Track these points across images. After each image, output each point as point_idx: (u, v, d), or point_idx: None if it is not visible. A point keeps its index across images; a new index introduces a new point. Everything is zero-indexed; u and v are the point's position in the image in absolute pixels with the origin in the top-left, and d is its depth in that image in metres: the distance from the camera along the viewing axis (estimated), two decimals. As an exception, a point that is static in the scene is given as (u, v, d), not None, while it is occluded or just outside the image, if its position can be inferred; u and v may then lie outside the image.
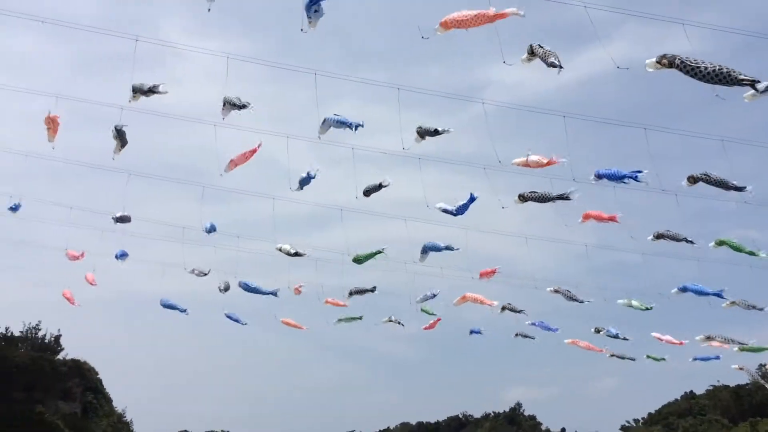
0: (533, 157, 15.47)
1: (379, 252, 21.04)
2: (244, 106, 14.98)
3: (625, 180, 15.41)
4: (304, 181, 17.74)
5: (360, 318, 26.56)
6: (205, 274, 23.47)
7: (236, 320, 26.21)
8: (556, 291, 22.92)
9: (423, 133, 15.35)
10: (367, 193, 17.46)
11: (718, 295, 21.31)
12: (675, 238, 18.58)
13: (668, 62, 11.02)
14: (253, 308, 28.18)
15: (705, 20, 11.10)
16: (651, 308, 23.35)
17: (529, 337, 27.27)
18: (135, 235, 21.59)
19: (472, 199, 17.81)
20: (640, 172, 15.30)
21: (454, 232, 20.34)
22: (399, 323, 26.98)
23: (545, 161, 15.40)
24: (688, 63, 10.83)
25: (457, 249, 20.31)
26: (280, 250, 20.88)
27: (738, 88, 11.99)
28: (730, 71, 10.70)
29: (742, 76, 10.75)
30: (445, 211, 18.08)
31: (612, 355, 27.52)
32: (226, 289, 23.71)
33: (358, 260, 21.20)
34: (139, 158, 17.51)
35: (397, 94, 14.74)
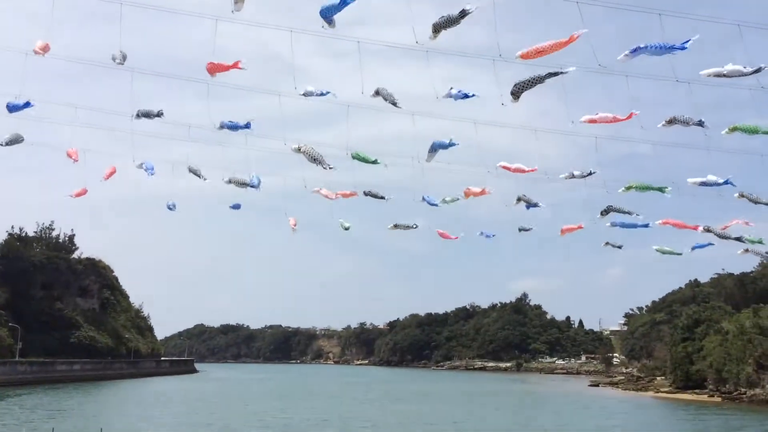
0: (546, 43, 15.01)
1: (375, 162, 21.06)
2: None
3: (674, 51, 14.50)
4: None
5: (415, 226, 26.86)
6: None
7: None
8: (570, 175, 22.54)
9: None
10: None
11: (728, 182, 21.15)
12: (686, 122, 18.20)
13: None
14: (267, 206, 28.51)
15: None
16: (666, 190, 22.79)
17: (526, 229, 27.57)
18: (142, 135, 21.50)
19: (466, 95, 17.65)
20: (688, 41, 14.40)
21: (463, 126, 20.22)
22: (413, 226, 27.12)
23: (563, 42, 14.88)
24: None
25: (457, 144, 20.19)
26: (299, 150, 20.45)
27: None
28: None
29: None
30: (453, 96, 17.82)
31: (606, 244, 27.67)
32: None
33: (358, 159, 21.17)
34: (143, 55, 17.23)
35: (404, -18, 14.22)
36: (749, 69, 15.27)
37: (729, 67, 15.33)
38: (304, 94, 17.83)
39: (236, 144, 22.37)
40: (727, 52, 15.37)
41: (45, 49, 17.15)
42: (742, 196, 22.00)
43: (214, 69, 17.15)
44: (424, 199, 24.81)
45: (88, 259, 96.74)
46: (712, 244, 26.98)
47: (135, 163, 22.75)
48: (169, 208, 26.51)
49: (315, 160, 18.52)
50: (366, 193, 24.40)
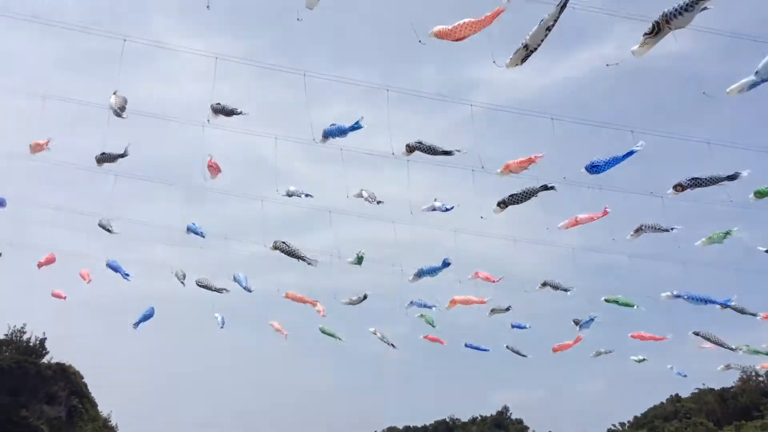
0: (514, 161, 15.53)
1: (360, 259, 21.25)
2: (233, 112, 15.03)
3: (623, 160, 14.96)
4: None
5: (341, 339, 26.53)
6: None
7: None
8: (544, 285, 22.68)
9: (419, 148, 15.46)
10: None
11: (725, 304, 20.86)
12: (655, 229, 18.43)
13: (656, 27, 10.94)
14: (243, 310, 28.21)
15: (697, 22, 11.11)
16: (634, 306, 23.05)
17: (521, 355, 27.47)
18: (122, 237, 21.44)
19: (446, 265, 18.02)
20: (636, 149, 14.83)
21: (442, 234, 20.42)
22: (392, 345, 26.89)
23: (526, 160, 15.40)
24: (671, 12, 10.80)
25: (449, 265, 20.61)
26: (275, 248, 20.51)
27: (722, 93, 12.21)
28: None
29: None
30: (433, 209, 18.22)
31: (598, 353, 27.66)
32: (184, 277, 23.25)
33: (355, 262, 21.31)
34: (127, 158, 17.44)
35: (386, 95, 14.76)
36: (724, 175, 15.58)
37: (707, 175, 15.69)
38: (287, 194, 18.06)
39: (215, 247, 22.36)
40: (699, 167, 15.88)
41: (42, 147, 17.27)
42: (725, 307, 22.07)
43: (213, 169, 17.40)
44: (413, 303, 24.68)
45: (57, 364, 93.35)
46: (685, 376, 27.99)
47: (105, 263, 22.55)
48: (145, 318, 25.44)
49: (294, 255, 18.26)
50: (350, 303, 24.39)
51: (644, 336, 25.41)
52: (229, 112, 15.11)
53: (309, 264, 18.41)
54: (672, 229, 18.10)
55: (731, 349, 24.31)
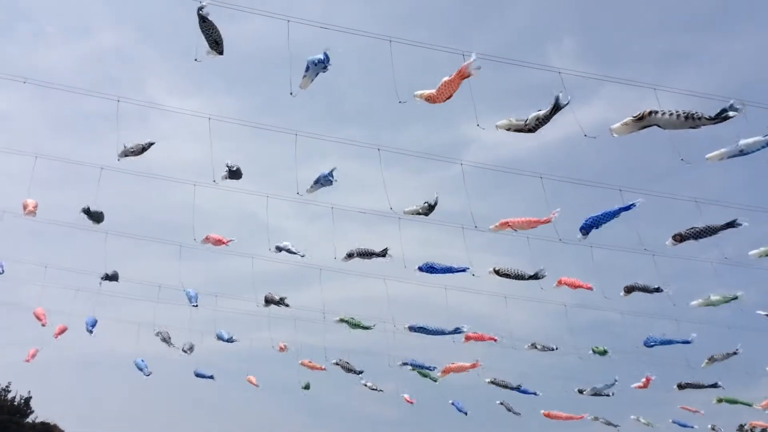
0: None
1: (367, 327, 21.28)
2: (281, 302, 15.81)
3: (620, 214, 14.90)
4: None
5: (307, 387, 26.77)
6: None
7: (204, 376, 25.88)
8: (532, 346, 22.83)
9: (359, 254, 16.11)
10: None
11: (686, 341, 21.25)
12: (645, 290, 18.57)
13: (641, 116, 11.12)
14: (225, 368, 27.90)
15: (683, 84, 11.37)
16: (605, 351, 23.10)
17: (515, 413, 27.24)
18: (111, 295, 21.33)
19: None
20: (633, 204, 14.79)
21: (433, 290, 20.35)
22: (377, 389, 26.79)
23: (538, 221, 15.47)
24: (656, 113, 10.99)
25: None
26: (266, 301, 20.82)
27: (703, 154, 12.43)
28: (697, 113, 10.92)
29: (707, 116, 10.89)
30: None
31: (595, 419, 27.52)
32: (191, 349, 23.72)
33: (346, 322, 21.32)
34: (119, 216, 17.55)
35: (378, 154, 14.92)
36: (720, 224, 15.61)
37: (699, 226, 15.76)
38: (278, 247, 18.04)
39: (205, 305, 22.20)
40: (688, 223, 15.95)
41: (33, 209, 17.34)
42: (712, 360, 22.07)
43: (210, 241, 17.81)
44: (405, 363, 24.58)
45: (42, 423, 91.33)
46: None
47: (85, 325, 22.55)
48: (140, 368, 25.44)
49: (275, 302, 18.14)
50: (340, 365, 24.37)
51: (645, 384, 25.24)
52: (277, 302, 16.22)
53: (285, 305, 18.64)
54: (661, 290, 18.25)
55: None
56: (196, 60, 12.04)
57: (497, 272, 17.07)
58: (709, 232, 15.44)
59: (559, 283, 18.16)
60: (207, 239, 17.84)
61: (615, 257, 18.10)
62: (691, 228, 15.56)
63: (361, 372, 25.00)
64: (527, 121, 11.88)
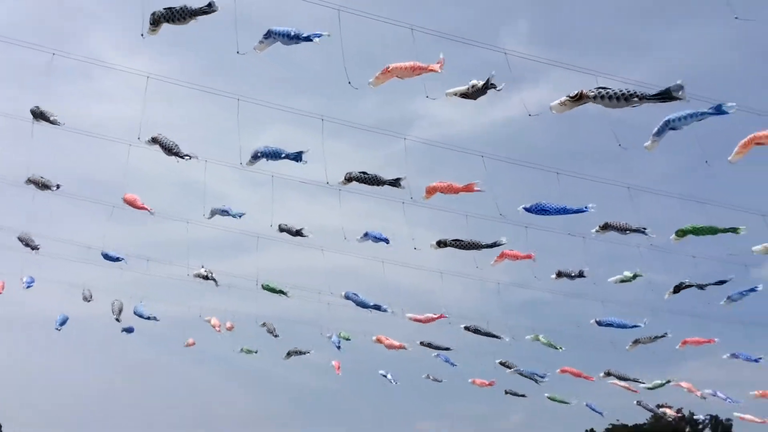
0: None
1: (284, 293, 21.19)
2: (177, 154, 14.72)
3: (571, 212, 15.66)
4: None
5: (255, 352, 26.78)
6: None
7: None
8: (466, 329, 23.35)
9: (354, 179, 15.48)
10: None
11: (636, 326, 22.01)
12: (570, 276, 19.32)
13: (577, 96, 11.37)
14: (158, 333, 27.51)
15: (627, 72, 11.63)
16: (560, 348, 24.05)
17: (439, 381, 28.33)
18: (40, 255, 20.56)
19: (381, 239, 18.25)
20: (586, 209, 15.58)
21: (371, 264, 20.45)
22: (304, 352, 26.92)
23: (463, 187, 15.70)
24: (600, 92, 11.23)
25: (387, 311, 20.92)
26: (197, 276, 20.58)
27: (641, 140, 12.86)
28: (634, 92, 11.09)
29: (647, 94, 11.05)
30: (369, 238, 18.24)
31: (506, 392, 28.51)
32: (119, 311, 23.06)
33: (267, 289, 21.24)
34: (51, 173, 16.84)
35: (322, 124, 14.76)
36: (640, 227, 16.37)
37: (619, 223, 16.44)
38: (212, 211, 17.68)
39: (137, 269, 21.71)
40: (621, 211, 16.50)
41: None
42: (636, 342, 23.00)
43: (127, 202, 17.19)
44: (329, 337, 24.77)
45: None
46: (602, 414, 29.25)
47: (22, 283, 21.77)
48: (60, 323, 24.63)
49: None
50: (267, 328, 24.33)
51: (574, 372, 26.31)
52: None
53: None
54: (584, 274, 19.08)
55: (638, 381, 25.66)
56: (142, 36, 11.85)
57: (442, 243, 17.09)
58: (631, 230, 16.44)
59: (501, 257, 18.41)
60: (125, 200, 17.19)
61: (548, 238, 18.53)
62: (617, 222, 16.43)
63: (276, 335, 24.72)
64: (469, 88, 12.15)
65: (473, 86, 12.25)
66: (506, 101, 12.29)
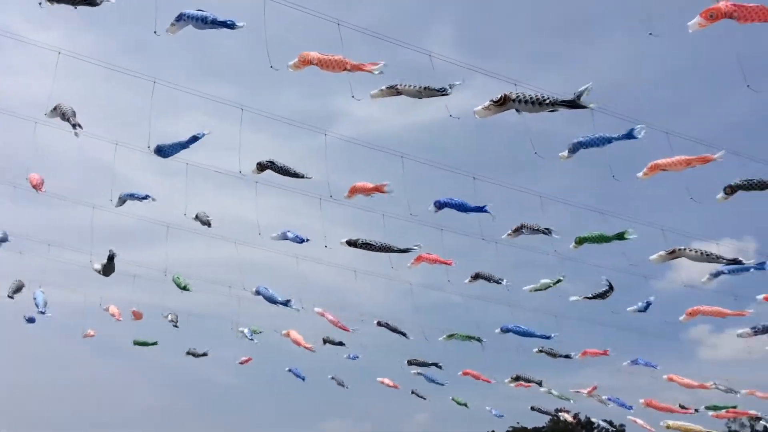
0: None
1: (187, 289, 20.72)
2: (69, 121, 13.92)
3: (472, 211, 15.99)
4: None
5: (155, 343, 25.94)
6: None
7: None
8: (379, 324, 23.49)
9: (267, 167, 15.16)
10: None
11: (546, 337, 22.73)
12: (488, 279, 19.71)
13: (501, 100, 11.68)
14: (57, 323, 26.29)
15: (545, 84, 11.95)
16: (480, 339, 24.26)
17: (343, 386, 28.43)
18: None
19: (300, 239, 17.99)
20: (485, 208, 15.98)
21: (285, 259, 20.19)
22: (201, 354, 26.39)
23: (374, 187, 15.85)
24: (519, 96, 11.59)
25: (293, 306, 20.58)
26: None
27: (556, 150, 13.35)
28: (552, 98, 11.48)
29: (562, 100, 11.46)
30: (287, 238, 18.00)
31: (412, 393, 28.95)
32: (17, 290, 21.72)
33: (175, 282, 20.71)
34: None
35: (241, 113, 14.45)
36: (545, 228, 16.85)
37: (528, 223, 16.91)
38: (121, 198, 16.97)
39: (37, 253, 20.64)
40: (533, 219, 16.96)
41: None
42: (542, 351, 23.69)
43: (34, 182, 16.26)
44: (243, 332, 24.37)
45: None
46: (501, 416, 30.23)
47: None
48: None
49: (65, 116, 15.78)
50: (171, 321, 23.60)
51: (475, 374, 26.94)
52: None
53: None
54: (502, 282, 19.49)
55: (538, 383, 26.87)
56: (40, 4, 11.25)
57: (353, 243, 17.07)
58: (540, 231, 16.88)
59: (418, 260, 18.55)
60: (30, 180, 16.24)
61: (463, 242, 18.80)
62: (528, 224, 16.94)
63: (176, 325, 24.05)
64: (401, 86, 12.25)
65: (426, 87, 12.28)
66: (429, 104, 12.38)
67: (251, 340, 24.99)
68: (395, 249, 17.10)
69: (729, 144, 14.20)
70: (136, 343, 25.92)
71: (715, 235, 18.59)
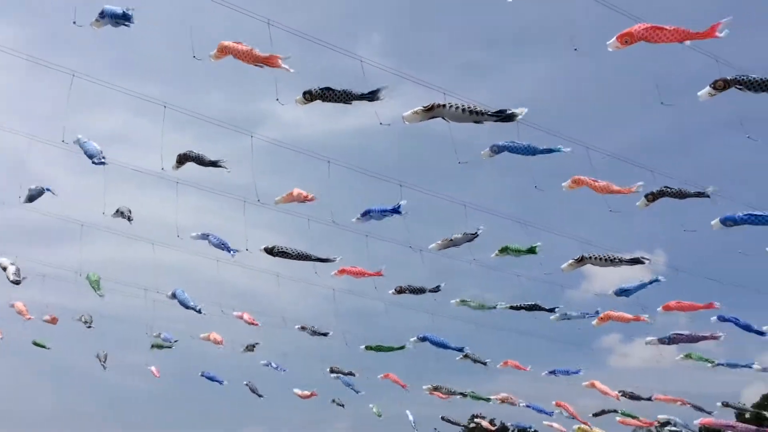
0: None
1: (100, 294, 20.00)
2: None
3: (387, 214, 15.93)
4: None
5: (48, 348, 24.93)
6: None
7: None
8: (302, 328, 23.24)
9: (185, 158, 14.73)
10: None
11: (459, 349, 23.02)
12: (415, 291, 19.77)
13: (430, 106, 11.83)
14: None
15: (474, 95, 12.16)
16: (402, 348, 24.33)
17: (257, 393, 28.05)
18: None
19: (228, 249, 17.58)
20: (399, 208, 15.86)
21: (205, 262, 19.67)
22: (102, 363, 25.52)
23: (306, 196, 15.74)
24: (448, 103, 11.77)
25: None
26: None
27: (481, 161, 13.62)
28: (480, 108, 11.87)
29: (490, 111, 11.91)
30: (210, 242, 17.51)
31: (333, 401, 28.86)
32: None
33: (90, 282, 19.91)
34: None
35: (164, 111, 14.04)
36: (470, 232, 17.05)
37: (456, 235, 17.04)
38: (30, 196, 16.21)
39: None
40: (457, 226, 17.15)
41: None
42: (466, 357, 24.00)
43: None
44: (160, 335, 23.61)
45: None
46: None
47: None
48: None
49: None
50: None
51: (395, 379, 27.27)
52: None
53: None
54: (426, 291, 19.60)
55: (462, 394, 26.93)
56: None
57: (271, 251, 16.83)
58: (463, 240, 17.01)
59: (341, 272, 18.45)
60: None
61: (388, 249, 18.81)
62: (452, 238, 17.11)
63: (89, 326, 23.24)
64: (332, 95, 12.22)
65: (354, 93, 12.27)
66: (358, 110, 12.35)
67: (170, 346, 24.35)
68: (313, 258, 16.88)
69: (645, 160, 14.80)
70: (35, 344, 24.86)
71: (630, 248, 19.33)
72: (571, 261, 16.93)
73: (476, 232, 16.93)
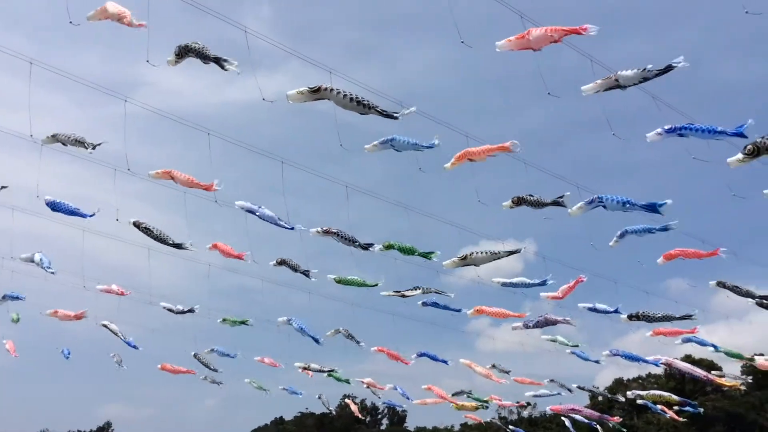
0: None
1: None
2: None
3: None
4: None
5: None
6: None
7: None
8: (169, 310, 22.49)
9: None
10: None
11: (316, 340, 23.22)
12: (293, 268, 19.46)
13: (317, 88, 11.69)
14: None
15: (360, 76, 12.13)
16: (247, 322, 24.05)
17: (121, 366, 27.12)
18: None
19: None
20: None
21: (70, 232, 18.52)
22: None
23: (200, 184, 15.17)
24: (339, 91, 11.70)
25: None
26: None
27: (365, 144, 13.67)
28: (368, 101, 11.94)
29: (378, 108, 12.06)
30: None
31: (204, 378, 28.30)
32: None
33: None
34: None
35: (30, 68, 13.02)
36: (359, 242, 17.13)
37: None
38: None
39: None
40: (338, 209, 17.11)
41: None
42: (337, 332, 24.14)
43: None
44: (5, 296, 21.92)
45: None
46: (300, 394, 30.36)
47: None
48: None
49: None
50: None
51: (265, 361, 27.41)
52: None
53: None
54: (308, 274, 19.24)
55: (329, 371, 27.90)
56: None
57: (138, 225, 16.17)
58: (350, 241, 17.02)
59: (214, 247, 18.01)
60: None
61: (268, 226, 18.42)
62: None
63: None
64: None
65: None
66: (242, 83, 11.98)
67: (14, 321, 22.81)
68: (170, 243, 16.40)
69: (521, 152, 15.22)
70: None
71: (502, 236, 20.05)
72: (455, 259, 17.14)
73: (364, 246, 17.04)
